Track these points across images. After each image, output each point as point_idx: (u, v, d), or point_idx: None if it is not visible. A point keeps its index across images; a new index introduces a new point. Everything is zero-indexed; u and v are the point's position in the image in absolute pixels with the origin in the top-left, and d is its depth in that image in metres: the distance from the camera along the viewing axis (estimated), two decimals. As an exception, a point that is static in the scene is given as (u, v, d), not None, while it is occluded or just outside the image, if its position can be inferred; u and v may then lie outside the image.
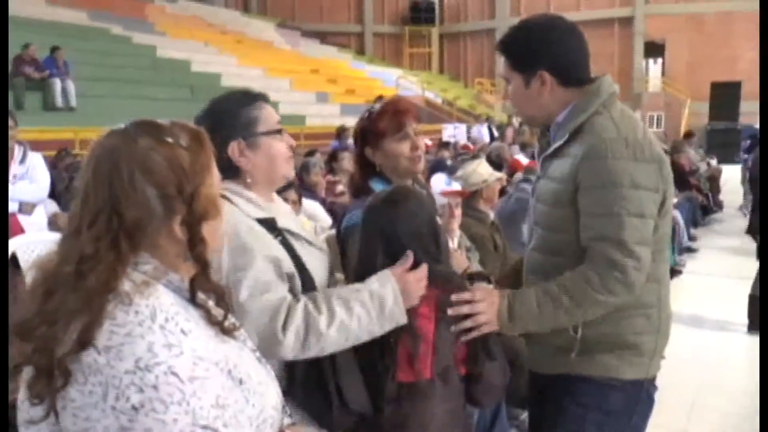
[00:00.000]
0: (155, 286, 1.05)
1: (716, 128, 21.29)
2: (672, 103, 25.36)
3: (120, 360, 0.96)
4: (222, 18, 25.55)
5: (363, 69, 25.93)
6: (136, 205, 1.04)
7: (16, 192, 4.42)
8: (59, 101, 11.86)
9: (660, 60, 28.03)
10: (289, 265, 1.59)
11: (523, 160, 7.29)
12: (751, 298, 5.17)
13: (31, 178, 4.51)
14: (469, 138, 14.43)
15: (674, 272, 6.94)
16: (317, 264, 1.69)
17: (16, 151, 4.51)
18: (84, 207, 1.05)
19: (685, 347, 4.90)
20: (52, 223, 4.73)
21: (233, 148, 1.62)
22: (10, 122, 4.43)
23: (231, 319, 1.19)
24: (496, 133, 15.42)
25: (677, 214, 7.69)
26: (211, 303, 1.18)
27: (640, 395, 1.80)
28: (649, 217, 1.65)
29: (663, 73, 27.69)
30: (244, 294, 1.48)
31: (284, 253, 1.59)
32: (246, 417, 1.10)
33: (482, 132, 14.93)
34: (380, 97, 14.78)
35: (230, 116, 1.65)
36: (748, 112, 20.54)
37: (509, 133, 15.21)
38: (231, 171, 1.61)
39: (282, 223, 1.64)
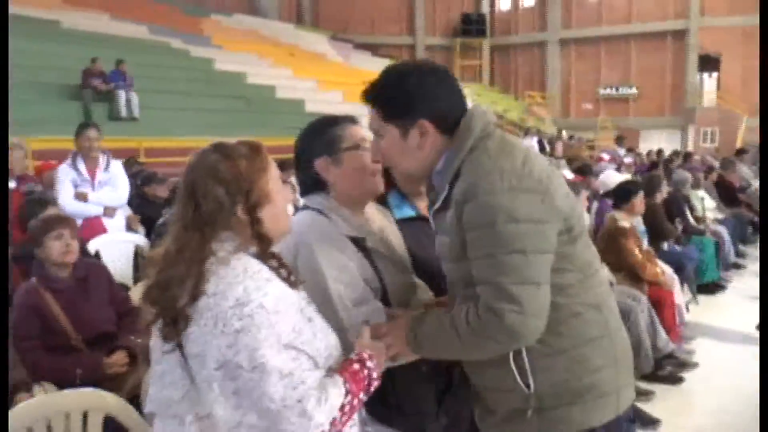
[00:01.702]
0: (241, 254, 1.44)
1: (773, 144, 20.78)
2: (727, 118, 24.86)
3: (224, 300, 1.34)
4: (276, 31, 26.21)
5: (413, 81, 26.18)
6: (209, 201, 1.42)
7: (102, 198, 4.85)
8: (123, 112, 12.46)
9: (715, 74, 27.51)
10: (375, 282, 1.78)
11: (568, 175, 7.44)
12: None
13: (113, 185, 4.93)
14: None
15: (718, 287, 6.98)
16: (399, 283, 1.87)
17: (101, 160, 4.93)
18: (178, 206, 1.48)
19: (721, 358, 4.99)
20: (128, 225, 5.18)
21: (319, 165, 1.80)
22: (95, 133, 4.86)
23: (293, 277, 1.55)
24: (546, 147, 15.50)
25: (722, 230, 7.70)
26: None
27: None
28: (534, 252, 1.47)
29: (718, 87, 27.17)
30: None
31: (371, 271, 1.79)
32: (315, 348, 1.44)
33: (533, 145, 15.01)
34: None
35: (317, 136, 1.85)
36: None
37: (559, 146, 15.27)
38: (320, 184, 1.82)
39: (370, 243, 1.82)
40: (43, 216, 3.33)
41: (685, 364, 4.62)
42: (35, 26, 14.69)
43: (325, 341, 1.49)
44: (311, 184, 1.84)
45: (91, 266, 3.25)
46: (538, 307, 1.48)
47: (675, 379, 4.51)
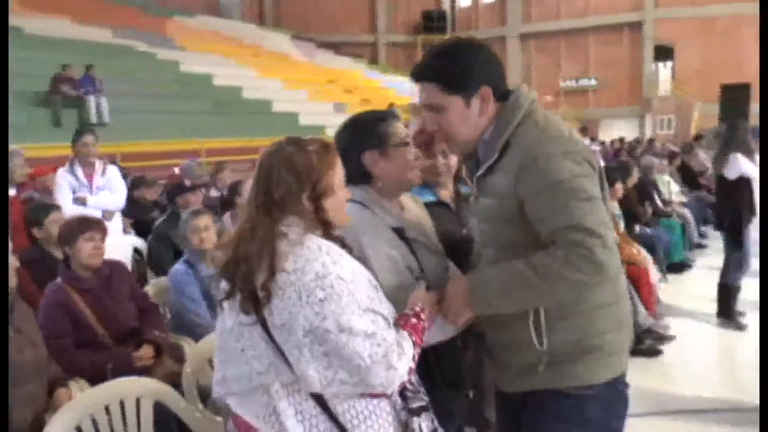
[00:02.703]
0: (311, 235, 1.60)
1: (727, 130, 21.52)
2: (682, 106, 25.63)
3: (304, 275, 1.50)
4: (239, 31, 26.10)
5: (377, 78, 26.40)
6: (280, 187, 1.58)
7: (101, 202, 4.96)
8: (93, 117, 12.41)
9: (670, 63, 28.31)
10: (416, 269, 1.93)
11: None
12: (720, 286, 5.46)
13: (110, 189, 5.04)
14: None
15: (685, 266, 7.39)
16: (435, 268, 2.02)
17: (98, 165, 5.04)
18: (252, 189, 1.64)
19: (694, 332, 5.37)
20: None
21: (368, 158, 1.93)
22: (92, 139, 4.97)
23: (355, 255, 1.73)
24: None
25: (687, 212, 8.12)
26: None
27: (614, 397, 1.80)
28: (597, 199, 1.66)
29: (673, 77, 27.96)
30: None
31: (413, 259, 1.94)
32: (386, 310, 1.63)
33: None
34: (391, 105, 15.21)
35: (367, 131, 1.97)
36: (758, 113, 20.87)
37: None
38: (366, 176, 1.96)
39: (410, 233, 1.97)
40: (79, 216, 3.46)
41: (663, 338, 4.94)
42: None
43: (389, 308, 1.67)
44: (356, 176, 1.94)
45: (113, 265, 3.39)
46: (613, 243, 1.62)
47: (654, 352, 4.83)
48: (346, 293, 1.51)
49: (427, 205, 2.39)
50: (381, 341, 1.53)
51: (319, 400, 1.55)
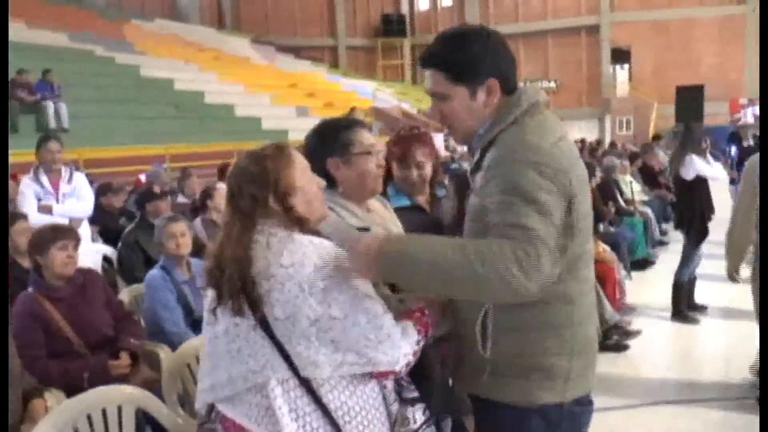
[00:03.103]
0: (293, 232, 1.65)
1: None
2: (640, 107, 26.26)
3: (303, 267, 1.56)
4: (198, 35, 25.85)
5: (338, 82, 26.41)
6: (245, 198, 1.65)
7: (68, 210, 4.87)
8: (52, 123, 12.12)
9: (627, 65, 28.96)
10: None
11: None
12: (674, 286, 5.63)
13: (78, 196, 4.95)
14: (447, 147, 14.74)
15: (648, 263, 7.59)
16: None
17: (64, 172, 4.95)
18: (225, 210, 1.72)
19: (658, 327, 5.52)
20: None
21: (331, 164, 1.96)
22: (57, 145, 4.88)
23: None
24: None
25: (648, 210, 8.33)
26: None
27: (563, 417, 1.71)
28: (552, 216, 1.54)
29: (630, 78, 28.61)
30: None
31: None
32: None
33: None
34: (353, 109, 15.25)
35: (331, 137, 2.00)
36: (712, 114, 21.51)
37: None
38: (330, 181, 1.96)
39: (374, 231, 1.96)
40: (52, 225, 3.41)
41: (629, 333, 5.07)
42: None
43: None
44: (326, 179, 1.94)
45: (87, 273, 3.35)
46: (555, 265, 1.51)
47: (621, 347, 4.96)
48: (346, 278, 1.58)
49: (402, 209, 2.44)
50: (383, 322, 1.60)
51: (314, 396, 1.58)
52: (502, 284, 1.46)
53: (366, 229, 1.95)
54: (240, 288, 1.57)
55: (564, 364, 1.67)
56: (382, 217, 2.15)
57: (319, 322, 1.55)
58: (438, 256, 1.51)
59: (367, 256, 1.55)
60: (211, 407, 1.72)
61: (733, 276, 4.00)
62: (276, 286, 1.56)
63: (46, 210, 4.83)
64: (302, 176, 1.70)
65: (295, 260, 1.57)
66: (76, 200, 4.96)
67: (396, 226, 2.19)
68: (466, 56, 1.68)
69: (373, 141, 2.06)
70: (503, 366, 1.68)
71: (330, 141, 2.00)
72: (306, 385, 1.58)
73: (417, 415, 1.69)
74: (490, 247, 1.49)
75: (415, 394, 1.71)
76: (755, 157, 3.89)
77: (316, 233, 1.71)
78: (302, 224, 1.68)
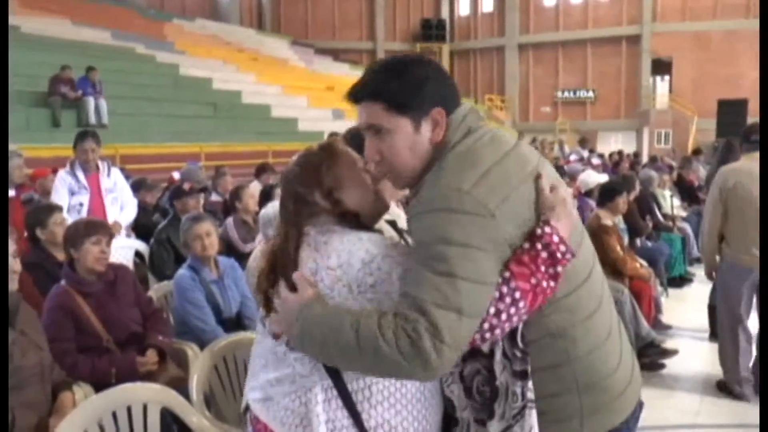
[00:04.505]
0: (347, 228, 1.59)
1: (723, 145, 21.68)
2: (679, 120, 25.77)
3: (351, 267, 1.49)
4: (238, 36, 26.18)
5: (375, 86, 26.43)
6: (292, 198, 1.64)
7: (123, 219, 5.03)
8: (92, 119, 12.36)
9: (667, 77, 28.48)
10: None
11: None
12: (710, 308, 5.36)
13: (122, 204, 5.08)
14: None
15: (685, 281, 7.40)
16: None
17: (101, 167, 5.01)
18: (279, 213, 1.68)
19: (695, 347, 5.36)
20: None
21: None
22: (93, 144, 4.94)
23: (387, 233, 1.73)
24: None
25: (686, 226, 8.13)
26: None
27: None
28: (462, 279, 1.35)
29: (670, 90, 28.12)
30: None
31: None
32: None
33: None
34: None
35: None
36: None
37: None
38: None
39: (401, 224, 1.95)
40: (87, 220, 3.43)
41: (665, 352, 4.93)
42: (-4, 32, 14.42)
43: None
44: None
45: (118, 269, 3.35)
46: (455, 339, 1.34)
47: (657, 366, 4.82)
48: (395, 267, 1.49)
49: None
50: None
51: (353, 410, 1.52)
52: (390, 369, 1.37)
53: (393, 222, 1.94)
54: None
55: (573, 404, 1.53)
56: (401, 213, 2.14)
57: None
58: (329, 341, 1.40)
59: (287, 317, 1.48)
60: (246, 409, 1.69)
61: (711, 276, 4.52)
62: (325, 291, 1.50)
63: (117, 230, 4.93)
64: (351, 169, 1.66)
65: (342, 261, 1.50)
66: (120, 208, 5.09)
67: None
68: (406, 83, 1.50)
69: None
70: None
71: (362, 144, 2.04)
72: (347, 397, 1.52)
73: (525, 391, 1.50)
74: (371, 329, 1.35)
75: (527, 366, 1.51)
76: (722, 169, 4.34)
77: (378, 230, 1.68)
78: (355, 218, 1.63)
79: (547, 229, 1.44)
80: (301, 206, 1.61)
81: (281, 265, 1.56)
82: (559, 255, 1.43)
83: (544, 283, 1.42)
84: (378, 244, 1.53)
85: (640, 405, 1.70)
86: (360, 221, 1.63)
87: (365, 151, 1.59)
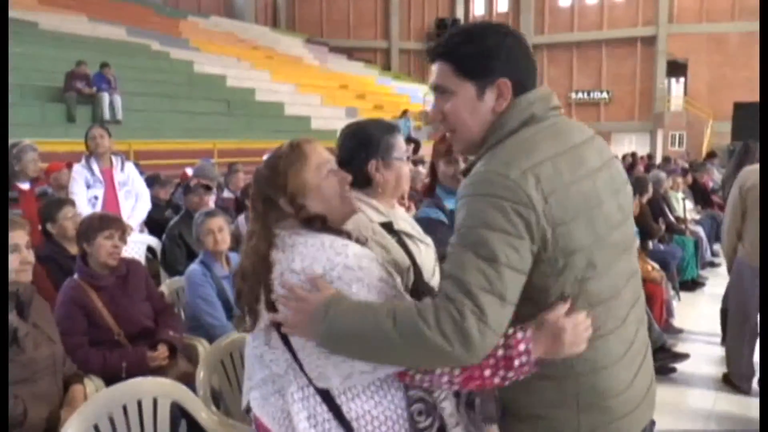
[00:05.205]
0: (312, 232, 1.61)
1: (739, 148, 21.51)
2: (694, 123, 25.61)
3: (312, 272, 1.51)
4: (252, 33, 26.28)
5: (389, 85, 26.48)
6: (260, 202, 1.65)
7: (137, 215, 5.07)
8: (107, 114, 12.44)
9: (682, 79, 28.27)
10: (404, 260, 1.99)
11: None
12: (722, 312, 5.32)
13: (136, 196, 5.11)
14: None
15: (697, 284, 7.35)
16: (426, 258, 2.09)
17: (115, 161, 5.05)
18: (249, 213, 1.70)
19: (707, 351, 5.32)
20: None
21: (372, 165, 1.99)
22: (99, 131, 5.05)
23: (355, 234, 1.73)
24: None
25: (700, 230, 8.07)
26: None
27: None
28: (504, 266, 1.35)
29: (685, 93, 27.92)
30: None
31: (400, 250, 2.01)
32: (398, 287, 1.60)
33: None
34: (405, 112, 15.42)
35: (374, 140, 2.03)
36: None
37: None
38: (366, 182, 2.01)
39: (398, 225, 2.03)
40: (100, 214, 3.46)
41: (677, 356, 4.90)
42: (12, 27, 14.56)
43: (401, 286, 1.65)
44: (358, 180, 1.97)
45: (130, 263, 3.38)
46: (498, 323, 1.35)
47: (668, 370, 4.79)
48: (355, 280, 1.50)
49: (453, 211, 2.47)
50: None
51: (332, 404, 1.54)
52: (433, 355, 1.35)
53: (389, 224, 1.99)
54: (256, 300, 1.56)
55: (570, 420, 1.51)
56: (402, 213, 2.19)
57: None
58: (365, 334, 1.40)
59: (310, 317, 1.46)
60: (248, 408, 1.72)
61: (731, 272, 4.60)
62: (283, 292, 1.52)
63: (129, 231, 4.95)
64: (317, 173, 1.65)
65: (305, 265, 1.52)
66: (134, 202, 5.12)
67: (409, 221, 2.21)
68: (477, 49, 1.51)
69: (405, 147, 2.14)
70: (508, 405, 1.57)
71: (376, 143, 2.05)
72: (324, 393, 1.54)
73: (446, 404, 1.62)
74: (411, 316, 1.36)
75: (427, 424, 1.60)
76: (744, 169, 4.45)
77: (343, 232, 1.68)
78: (320, 223, 1.63)
79: (520, 335, 1.41)
80: (269, 208, 1.63)
81: (252, 272, 1.57)
82: (516, 363, 1.40)
83: (486, 372, 1.41)
84: (340, 252, 1.53)
85: (651, 423, 1.68)
86: (326, 225, 1.64)
87: (430, 109, 1.66)
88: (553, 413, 1.51)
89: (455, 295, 1.34)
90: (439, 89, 1.57)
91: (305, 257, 1.52)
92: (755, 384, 4.46)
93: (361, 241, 1.71)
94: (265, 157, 1.72)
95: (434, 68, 1.57)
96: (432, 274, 2.11)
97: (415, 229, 2.15)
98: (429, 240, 2.19)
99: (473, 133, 1.55)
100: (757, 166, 4.38)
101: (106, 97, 12.46)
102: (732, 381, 4.55)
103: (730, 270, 4.61)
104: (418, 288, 1.99)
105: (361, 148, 2.02)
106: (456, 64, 1.52)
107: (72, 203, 4.26)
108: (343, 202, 1.69)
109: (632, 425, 1.58)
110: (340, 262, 1.51)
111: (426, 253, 2.12)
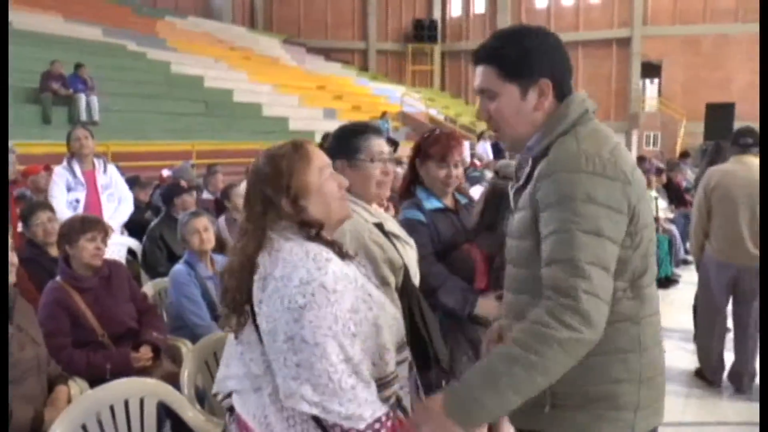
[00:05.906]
0: (302, 239, 1.62)
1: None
2: (668, 123, 25.94)
3: (290, 281, 1.51)
4: (230, 34, 26.12)
5: (367, 86, 26.48)
6: (258, 200, 1.62)
7: (118, 217, 5.03)
8: (83, 115, 12.31)
9: (656, 80, 28.65)
10: (398, 259, 2.05)
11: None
12: (694, 309, 5.33)
13: (119, 200, 5.07)
14: (473, 155, 14.79)
15: (671, 282, 7.50)
16: (411, 258, 2.17)
17: (97, 164, 5.03)
18: (243, 210, 1.68)
19: (680, 348, 5.45)
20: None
21: (337, 165, 2.01)
22: (83, 132, 5.00)
23: (344, 247, 1.74)
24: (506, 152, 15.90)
25: (673, 228, 8.24)
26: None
27: None
28: (606, 238, 1.44)
29: (659, 93, 28.30)
30: None
31: (394, 250, 2.06)
32: (370, 324, 1.60)
33: (486, 149, 15.39)
34: (385, 113, 15.40)
35: (343, 141, 2.11)
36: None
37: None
38: None
39: (388, 227, 2.11)
40: (82, 216, 3.47)
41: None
42: (-13, 27, 14.35)
43: (383, 312, 1.64)
44: None
45: (112, 265, 3.40)
46: (607, 292, 1.43)
47: (642, 366, 4.89)
48: (326, 304, 1.50)
49: (436, 211, 2.62)
50: (354, 370, 1.51)
51: None
52: (568, 349, 1.40)
53: (380, 225, 2.04)
54: (239, 301, 1.58)
55: (632, 394, 1.57)
56: (387, 215, 2.27)
57: (291, 341, 1.49)
58: (500, 377, 1.43)
59: (438, 421, 1.48)
60: (224, 398, 1.74)
61: (699, 269, 4.74)
62: (265, 298, 1.53)
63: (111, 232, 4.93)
64: (319, 175, 1.66)
65: (285, 272, 1.52)
66: (117, 203, 5.09)
67: (394, 223, 2.28)
68: (519, 51, 1.60)
69: (384, 149, 2.15)
70: (563, 396, 1.56)
71: (343, 144, 2.11)
72: None
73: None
74: (527, 329, 1.43)
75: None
76: (708, 170, 4.60)
77: (333, 244, 1.70)
78: (317, 227, 1.65)
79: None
80: (267, 208, 1.61)
81: (238, 272, 1.58)
82: None
83: None
84: (321, 268, 1.53)
85: None
86: (319, 231, 1.65)
87: (477, 110, 1.71)
88: (617, 389, 1.56)
89: (565, 281, 1.41)
90: (483, 92, 1.65)
91: (287, 265, 1.53)
92: (725, 377, 4.61)
93: (350, 256, 1.72)
94: (262, 157, 1.69)
95: (478, 71, 1.66)
96: (415, 275, 2.17)
97: (402, 231, 2.21)
98: (412, 242, 2.25)
99: (518, 131, 1.64)
100: (721, 166, 4.55)
101: (83, 98, 12.34)
102: (704, 375, 4.69)
103: (698, 268, 4.77)
104: (406, 287, 2.04)
105: (335, 146, 2.09)
106: (499, 67, 1.61)
107: (49, 207, 4.22)
108: (341, 205, 1.71)
109: (663, 407, 1.69)
110: (317, 278, 1.51)
111: (411, 255, 2.19)
